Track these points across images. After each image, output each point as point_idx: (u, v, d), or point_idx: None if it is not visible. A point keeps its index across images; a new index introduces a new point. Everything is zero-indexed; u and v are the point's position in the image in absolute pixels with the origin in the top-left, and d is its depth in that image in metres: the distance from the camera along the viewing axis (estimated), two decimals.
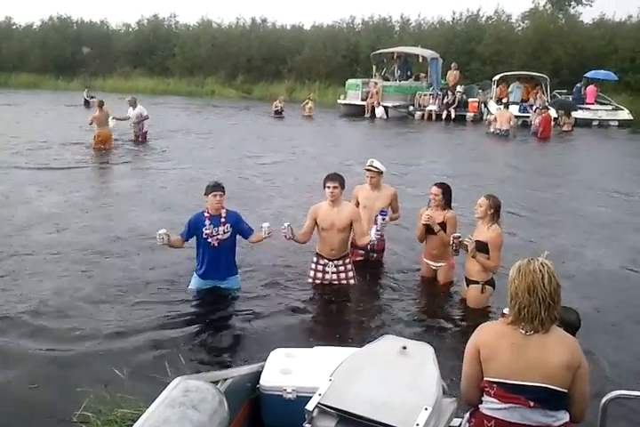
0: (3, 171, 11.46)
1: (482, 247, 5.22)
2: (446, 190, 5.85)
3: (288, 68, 34.87)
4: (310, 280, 5.88)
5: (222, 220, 5.41)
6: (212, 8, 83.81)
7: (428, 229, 5.84)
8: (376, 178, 6.36)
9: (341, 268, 5.83)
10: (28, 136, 15.93)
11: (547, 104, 21.29)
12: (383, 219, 6.19)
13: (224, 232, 5.42)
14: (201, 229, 5.39)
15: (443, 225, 5.77)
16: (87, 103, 24.59)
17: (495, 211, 5.26)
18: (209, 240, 5.39)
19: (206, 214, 5.42)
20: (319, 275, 5.85)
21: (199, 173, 11.18)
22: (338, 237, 5.70)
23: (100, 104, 14.69)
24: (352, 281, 5.86)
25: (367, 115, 24.10)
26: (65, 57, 40.56)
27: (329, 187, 5.58)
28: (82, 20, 43.67)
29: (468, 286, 5.53)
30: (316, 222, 5.70)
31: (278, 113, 23.43)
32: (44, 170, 11.71)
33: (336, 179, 5.62)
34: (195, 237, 5.49)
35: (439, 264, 6.04)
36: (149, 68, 38.69)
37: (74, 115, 21.23)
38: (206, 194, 5.37)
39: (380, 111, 23.86)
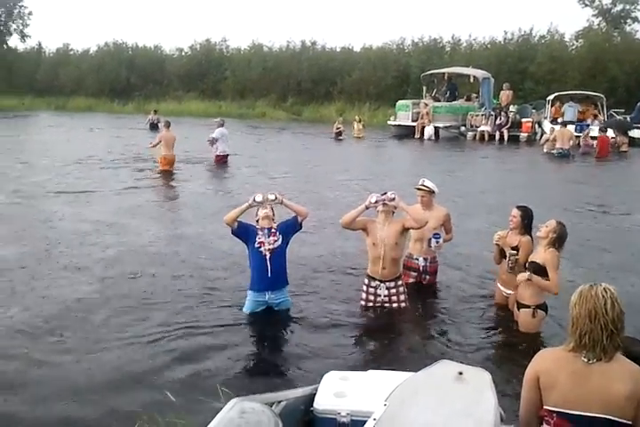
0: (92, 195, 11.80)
1: (537, 269, 5.09)
2: (526, 214, 5.66)
3: (338, 89, 35.22)
4: (363, 303, 5.83)
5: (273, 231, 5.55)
6: (263, 32, 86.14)
7: (502, 252, 5.69)
8: (427, 197, 6.28)
9: (393, 290, 5.74)
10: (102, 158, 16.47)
11: (602, 124, 20.89)
12: (437, 241, 6.18)
13: (274, 241, 5.52)
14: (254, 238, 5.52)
15: (516, 249, 5.56)
16: (154, 127, 24.56)
17: (558, 238, 5.07)
18: (260, 249, 5.49)
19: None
20: (371, 297, 5.79)
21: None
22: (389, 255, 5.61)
23: (167, 124, 14.63)
24: (404, 304, 5.77)
25: (417, 135, 24.05)
26: (119, 81, 42.00)
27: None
28: (136, 45, 45.33)
29: (519, 309, 5.38)
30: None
31: (339, 135, 23.48)
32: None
33: None
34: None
35: (509, 291, 5.77)
36: (201, 91, 39.59)
37: (141, 137, 21.71)
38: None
39: (429, 131, 23.68)
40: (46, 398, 4.18)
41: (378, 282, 5.71)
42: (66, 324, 5.44)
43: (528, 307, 5.25)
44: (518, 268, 5.27)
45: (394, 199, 5.48)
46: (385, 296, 5.71)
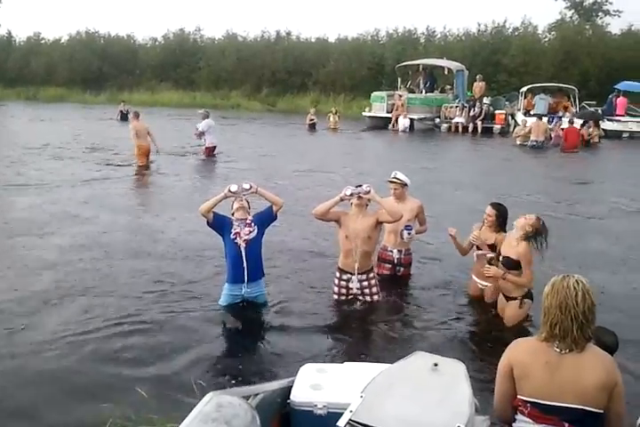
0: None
1: (512, 265, 5.11)
2: (501, 212, 5.70)
3: (313, 80, 35.15)
4: (335, 296, 5.82)
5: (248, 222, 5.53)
6: (237, 21, 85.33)
7: (477, 248, 5.73)
8: (400, 190, 6.29)
9: (365, 283, 5.74)
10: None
11: (573, 116, 21.17)
12: (409, 233, 6.20)
13: (250, 232, 5.50)
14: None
15: (493, 247, 5.60)
16: (124, 117, 24.23)
17: (535, 233, 5.07)
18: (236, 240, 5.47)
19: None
20: (343, 290, 5.78)
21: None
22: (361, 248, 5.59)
23: (137, 115, 14.39)
24: (376, 297, 5.77)
25: (392, 127, 24.11)
26: (92, 71, 41.28)
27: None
28: (109, 34, 44.51)
29: (507, 301, 5.38)
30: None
31: (312, 127, 23.48)
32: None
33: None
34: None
35: (486, 283, 5.81)
36: (175, 81, 39.15)
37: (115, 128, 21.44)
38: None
39: (403, 123, 23.75)
40: (9, 398, 4.09)
41: (349, 275, 5.68)
42: (31, 317, 5.36)
43: (515, 299, 5.28)
44: (495, 263, 5.29)
45: (369, 192, 5.46)
46: (357, 289, 5.71)
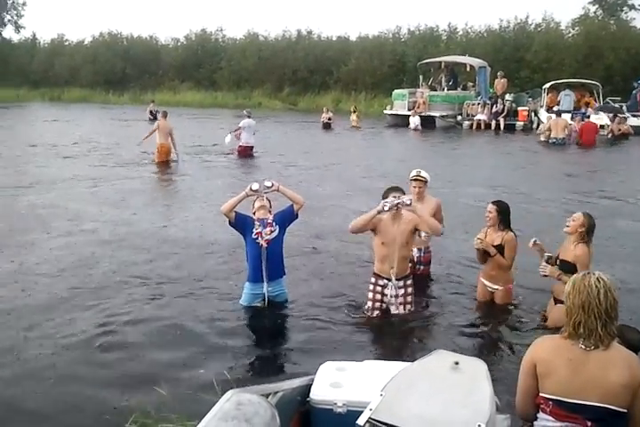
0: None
1: (568, 268, 4.85)
2: (502, 209, 5.55)
3: (334, 79, 35.14)
4: (370, 303, 5.51)
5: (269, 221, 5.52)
6: (259, 21, 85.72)
7: (486, 252, 5.57)
8: (423, 188, 6.19)
9: (401, 291, 5.43)
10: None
11: (592, 112, 21.01)
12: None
13: (271, 232, 5.50)
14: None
15: (500, 247, 5.48)
16: (154, 117, 23.52)
17: (587, 231, 4.90)
18: (258, 240, 5.47)
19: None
20: (378, 296, 5.46)
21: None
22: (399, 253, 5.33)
23: (164, 114, 14.53)
24: (409, 306, 5.47)
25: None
26: (115, 72, 41.76)
27: (395, 196, 5.22)
28: (131, 35, 45.08)
29: (555, 304, 5.17)
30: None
31: (327, 125, 23.42)
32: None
33: (399, 189, 5.43)
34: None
35: (496, 287, 5.71)
36: (197, 81, 39.43)
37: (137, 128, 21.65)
38: None
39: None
40: (35, 395, 4.14)
41: (386, 281, 5.40)
42: (46, 316, 5.41)
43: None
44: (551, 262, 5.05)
45: (410, 204, 5.11)
46: (392, 297, 5.39)
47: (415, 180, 6.17)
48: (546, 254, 5.12)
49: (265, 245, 5.45)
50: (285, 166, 14.14)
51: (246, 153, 15.64)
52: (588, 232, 4.92)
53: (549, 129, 18.98)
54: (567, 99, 23.33)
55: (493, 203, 5.67)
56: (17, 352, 4.69)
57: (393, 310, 5.44)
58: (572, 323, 2.56)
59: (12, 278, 6.35)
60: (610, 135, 20.06)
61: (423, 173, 6.17)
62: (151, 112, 25.52)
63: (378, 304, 5.47)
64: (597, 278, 2.55)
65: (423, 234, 6.07)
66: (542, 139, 19.16)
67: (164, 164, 14.13)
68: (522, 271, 5.98)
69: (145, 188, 11.92)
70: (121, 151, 16.24)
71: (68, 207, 9.69)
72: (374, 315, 5.47)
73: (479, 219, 6.18)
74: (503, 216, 5.54)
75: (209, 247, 7.50)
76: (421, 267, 6.48)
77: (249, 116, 15.86)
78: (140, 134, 15.25)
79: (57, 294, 5.94)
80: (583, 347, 2.55)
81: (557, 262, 5.07)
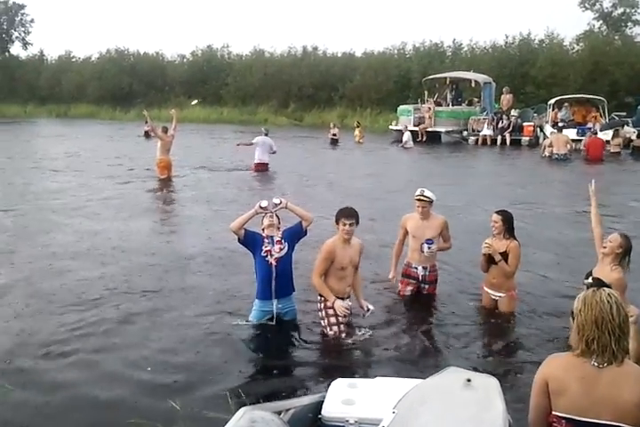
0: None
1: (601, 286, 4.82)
2: (507, 218, 5.73)
3: (339, 95, 35.33)
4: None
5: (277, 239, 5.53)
6: (265, 38, 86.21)
7: (490, 259, 5.72)
8: (427, 208, 6.19)
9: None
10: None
11: (597, 128, 21.01)
12: (429, 247, 6.10)
13: (280, 249, 5.50)
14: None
15: (505, 255, 5.63)
16: (148, 135, 23.93)
17: (624, 253, 4.80)
18: (267, 258, 5.48)
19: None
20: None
21: None
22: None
23: (164, 130, 14.60)
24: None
25: (420, 139, 24.08)
26: (121, 88, 42.13)
27: (344, 224, 5.28)
28: (138, 51, 45.55)
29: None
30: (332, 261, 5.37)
31: (335, 142, 23.46)
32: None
33: (353, 215, 5.34)
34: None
35: (499, 294, 5.85)
36: (203, 97, 39.58)
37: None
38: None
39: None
40: (44, 407, 4.15)
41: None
42: (64, 321, 5.46)
43: None
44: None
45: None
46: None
47: (420, 200, 6.17)
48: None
49: (274, 263, 5.45)
50: (295, 182, 14.17)
51: (260, 169, 15.81)
52: (625, 253, 4.82)
53: (551, 145, 18.99)
54: (563, 111, 23.57)
55: (498, 213, 5.83)
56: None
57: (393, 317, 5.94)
58: (585, 340, 2.54)
59: None
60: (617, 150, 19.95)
61: (427, 193, 6.14)
62: (146, 132, 24.91)
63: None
64: (609, 294, 2.55)
65: (425, 249, 6.08)
66: (546, 154, 19.14)
67: (167, 179, 14.24)
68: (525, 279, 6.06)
69: (149, 204, 11.94)
70: (120, 167, 16.41)
71: (66, 222, 9.76)
72: (373, 322, 5.60)
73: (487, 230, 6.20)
74: (508, 225, 5.74)
75: (210, 263, 7.50)
76: (426, 286, 6.38)
77: (266, 134, 16.09)
78: (141, 151, 15.39)
79: (65, 302, 5.96)
80: (596, 364, 2.54)
81: (591, 279, 4.99)
